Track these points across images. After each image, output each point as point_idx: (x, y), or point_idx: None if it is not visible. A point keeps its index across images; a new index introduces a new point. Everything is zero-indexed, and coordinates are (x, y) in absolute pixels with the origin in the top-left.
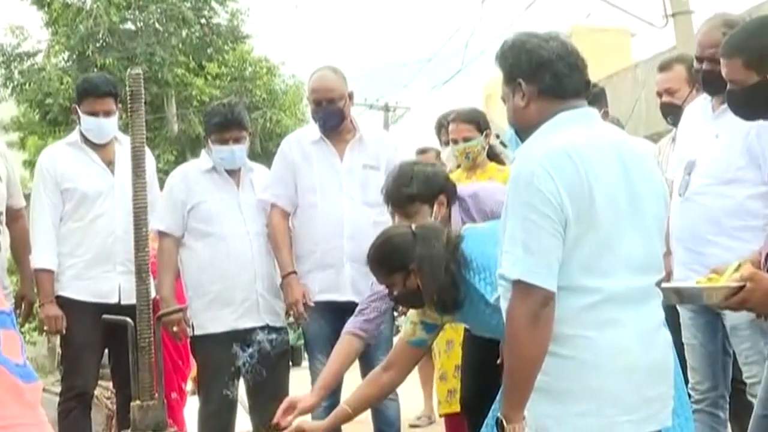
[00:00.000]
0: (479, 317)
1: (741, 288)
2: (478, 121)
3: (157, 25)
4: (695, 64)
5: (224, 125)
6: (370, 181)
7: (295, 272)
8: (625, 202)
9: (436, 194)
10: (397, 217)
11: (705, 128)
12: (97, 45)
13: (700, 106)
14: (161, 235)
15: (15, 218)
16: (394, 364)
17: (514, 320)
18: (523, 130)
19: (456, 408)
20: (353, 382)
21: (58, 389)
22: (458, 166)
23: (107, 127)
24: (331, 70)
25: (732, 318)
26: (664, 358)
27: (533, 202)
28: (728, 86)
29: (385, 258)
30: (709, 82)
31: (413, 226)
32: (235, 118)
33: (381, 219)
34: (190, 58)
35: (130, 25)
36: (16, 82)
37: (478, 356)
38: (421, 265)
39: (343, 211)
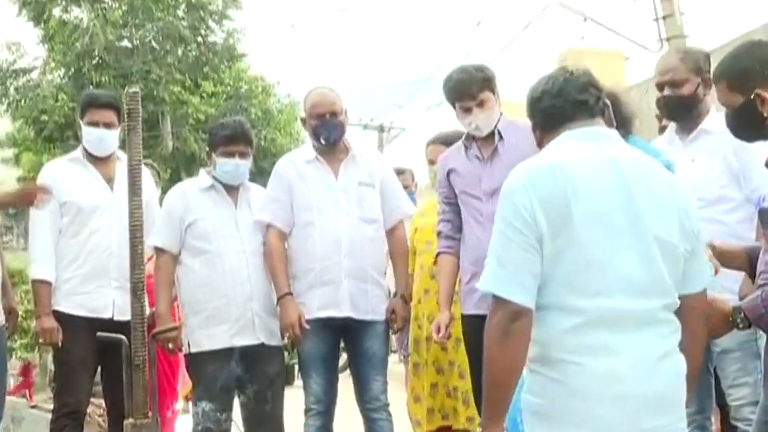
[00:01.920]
0: None
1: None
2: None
3: (153, 43)
4: (657, 92)
5: (233, 138)
6: (365, 198)
7: (290, 293)
8: (621, 221)
9: (495, 84)
10: (460, 114)
11: (679, 156)
12: (93, 62)
13: (665, 140)
14: (158, 251)
15: None
16: None
17: (487, 333)
18: None
19: (439, 422)
20: (347, 401)
21: (50, 406)
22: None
23: (108, 138)
24: (328, 89)
25: (722, 342)
26: (669, 389)
27: (508, 215)
28: (725, 111)
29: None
30: (671, 107)
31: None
32: (245, 133)
33: (378, 235)
34: (186, 76)
35: (126, 43)
36: (11, 99)
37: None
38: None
39: (341, 228)
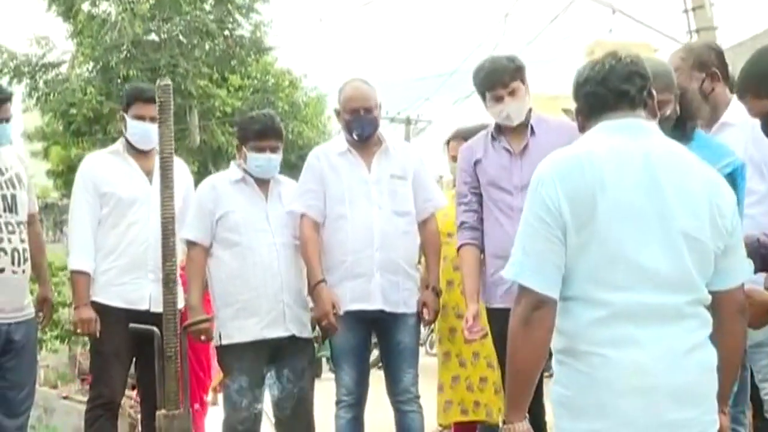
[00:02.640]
0: None
1: None
2: None
3: (180, 37)
4: None
5: (264, 133)
6: (398, 191)
7: (324, 281)
8: (647, 215)
9: (525, 75)
10: (490, 103)
11: None
12: (121, 56)
13: None
14: (190, 244)
15: (30, 223)
16: None
17: (511, 322)
18: None
19: (457, 416)
20: (378, 394)
21: (80, 397)
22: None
23: (152, 132)
24: (363, 82)
25: (755, 336)
26: (696, 381)
27: (535, 207)
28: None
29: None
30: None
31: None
32: (275, 127)
33: (410, 228)
34: (214, 69)
35: (153, 37)
36: (40, 92)
37: None
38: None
39: (373, 221)
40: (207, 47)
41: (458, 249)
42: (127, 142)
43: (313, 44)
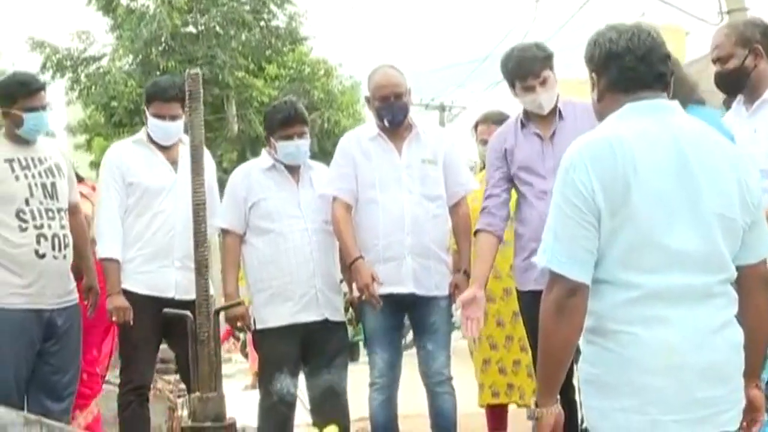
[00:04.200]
0: None
1: None
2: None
3: (217, 29)
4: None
5: (288, 121)
6: (429, 175)
7: (362, 257)
8: (679, 197)
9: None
10: (521, 92)
11: (743, 128)
12: (160, 48)
13: (734, 111)
14: (224, 232)
15: (72, 213)
16: None
17: (542, 307)
18: (601, 121)
19: (489, 399)
20: (411, 381)
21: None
22: (484, 166)
23: (172, 130)
24: (392, 68)
25: None
26: (725, 359)
27: (566, 192)
28: None
29: None
30: (722, 83)
31: None
32: (298, 113)
33: (440, 212)
34: (250, 60)
35: (191, 29)
36: (82, 86)
37: None
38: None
39: (404, 206)
40: (243, 38)
41: (475, 233)
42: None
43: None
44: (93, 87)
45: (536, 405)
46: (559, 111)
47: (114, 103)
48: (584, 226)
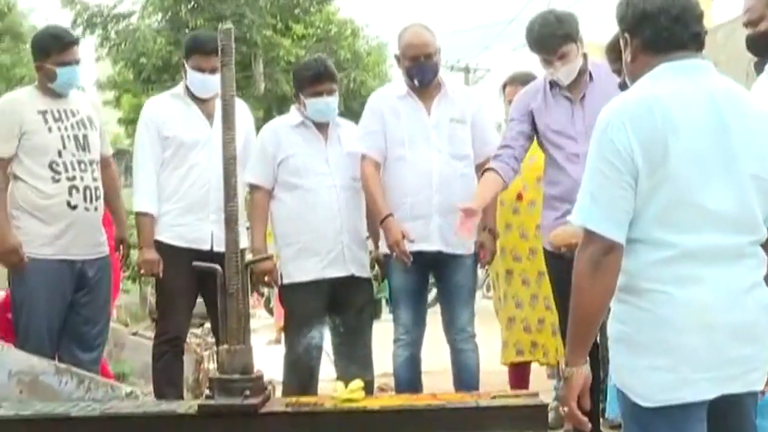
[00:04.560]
0: None
1: None
2: None
3: None
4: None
5: (318, 78)
6: (457, 135)
7: (392, 215)
8: (715, 157)
9: (578, 31)
10: (542, 63)
11: None
12: (189, 6)
13: (766, 74)
14: (253, 187)
15: (104, 166)
16: None
17: (577, 265)
18: (633, 82)
19: (513, 357)
20: (434, 339)
21: (149, 334)
22: None
23: (212, 82)
24: (423, 27)
25: None
26: (755, 319)
27: (604, 152)
28: None
29: (616, 44)
30: (753, 46)
31: None
32: (328, 70)
33: (467, 171)
34: (278, 19)
35: None
36: (112, 43)
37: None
38: None
39: (432, 164)
40: None
41: (482, 172)
42: (188, 86)
43: None
44: (122, 44)
45: (566, 364)
46: (590, 73)
47: (143, 60)
48: (622, 186)
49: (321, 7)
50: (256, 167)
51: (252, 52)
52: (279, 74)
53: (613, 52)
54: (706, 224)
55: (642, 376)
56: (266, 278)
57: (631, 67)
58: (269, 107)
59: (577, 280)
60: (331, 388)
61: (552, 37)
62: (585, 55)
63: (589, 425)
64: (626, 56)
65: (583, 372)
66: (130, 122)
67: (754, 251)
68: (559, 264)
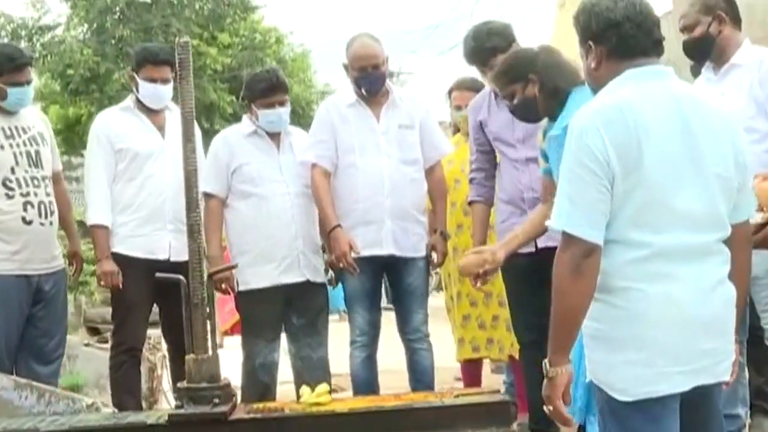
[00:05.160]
0: (550, 151)
1: (763, 226)
2: (479, 89)
3: None
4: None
5: (271, 89)
6: (406, 140)
7: (340, 225)
8: (684, 159)
9: (511, 42)
10: (482, 76)
11: (713, 91)
12: (115, 17)
13: (703, 77)
14: (207, 196)
15: (56, 181)
16: (547, 196)
17: (558, 269)
18: (597, 88)
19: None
20: (390, 337)
21: (100, 345)
22: (457, 131)
23: (164, 92)
24: (370, 38)
25: (753, 268)
26: (721, 313)
27: (580, 156)
28: None
29: (510, 68)
30: (689, 51)
31: (537, 48)
32: (280, 82)
33: (417, 176)
34: (203, 29)
35: None
36: (38, 54)
37: (522, 290)
38: (545, 68)
39: (383, 170)
40: (197, 7)
41: (469, 203)
42: (137, 99)
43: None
44: (48, 56)
45: (550, 364)
46: None
47: (70, 72)
48: (599, 189)
49: (245, 16)
50: (210, 176)
51: (173, 62)
52: (206, 83)
53: (504, 77)
54: (677, 224)
55: (619, 371)
56: (223, 285)
57: (596, 74)
58: (198, 116)
59: (558, 282)
60: (290, 391)
61: (481, 50)
62: None
63: (573, 421)
64: (590, 63)
65: (566, 371)
66: (57, 133)
67: (720, 248)
68: (514, 266)
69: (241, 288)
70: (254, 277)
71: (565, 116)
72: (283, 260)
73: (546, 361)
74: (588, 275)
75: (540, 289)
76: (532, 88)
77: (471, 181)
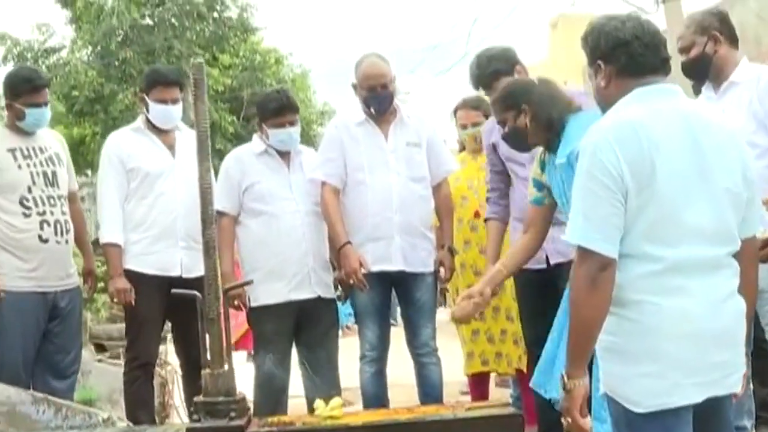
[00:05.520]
0: (554, 179)
1: None
2: (483, 108)
3: (173, 20)
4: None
5: (281, 110)
6: (414, 158)
7: (350, 243)
8: (694, 175)
9: (513, 65)
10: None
11: (713, 108)
12: (119, 40)
13: (704, 95)
14: (219, 214)
15: (72, 201)
16: (530, 225)
17: (574, 283)
18: (606, 107)
19: (479, 368)
20: (398, 351)
21: (113, 360)
22: (463, 149)
23: (174, 113)
24: (378, 57)
25: (760, 282)
26: (733, 326)
27: (594, 172)
28: None
29: (506, 96)
30: (687, 71)
31: (536, 78)
32: (291, 102)
33: (425, 193)
34: (205, 50)
35: (148, 21)
36: None
37: (534, 305)
38: (539, 100)
39: (391, 187)
40: (198, 29)
41: (485, 221)
42: (147, 120)
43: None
44: (54, 78)
45: (568, 377)
46: None
47: (75, 93)
48: (613, 204)
49: (246, 37)
50: (222, 194)
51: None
52: (208, 103)
53: (499, 104)
54: (689, 238)
55: (633, 383)
56: (236, 302)
57: (605, 92)
58: None
59: (575, 296)
60: (300, 405)
61: (483, 76)
62: None
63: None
64: (599, 82)
65: (584, 383)
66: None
67: (730, 262)
68: (523, 278)
69: (253, 304)
70: (265, 293)
71: (568, 143)
72: (293, 277)
73: (563, 374)
74: (604, 288)
75: (551, 303)
76: (524, 118)
77: (487, 200)
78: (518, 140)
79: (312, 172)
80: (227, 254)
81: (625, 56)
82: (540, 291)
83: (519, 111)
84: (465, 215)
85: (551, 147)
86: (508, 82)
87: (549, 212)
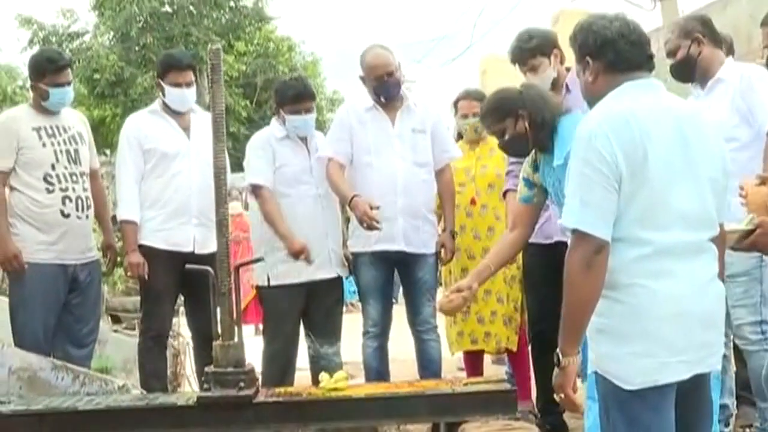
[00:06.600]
0: (551, 179)
1: (752, 232)
2: (483, 99)
3: (191, 8)
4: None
5: (299, 97)
6: (418, 144)
7: (357, 195)
8: (680, 164)
9: (552, 47)
10: (525, 74)
11: (700, 106)
12: (139, 26)
13: (693, 95)
14: (257, 188)
15: (93, 178)
16: (517, 223)
17: (570, 265)
18: (594, 101)
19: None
20: (401, 329)
21: (128, 331)
22: (460, 138)
23: (189, 96)
24: (382, 48)
25: (731, 267)
26: (715, 307)
27: (590, 158)
28: None
29: (499, 105)
30: (675, 74)
31: (519, 86)
32: (308, 90)
33: (428, 177)
34: (221, 37)
35: (167, 9)
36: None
37: (542, 278)
38: (532, 103)
39: (396, 170)
40: (215, 17)
41: (503, 193)
42: (164, 103)
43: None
44: (77, 61)
45: (562, 354)
46: (566, 85)
47: (96, 76)
48: (608, 189)
49: (260, 25)
50: (262, 169)
51: (198, 68)
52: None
53: (494, 115)
54: (676, 223)
55: (624, 362)
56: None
57: (593, 87)
58: None
59: (571, 278)
60: (305, 377)
61: (520, 50)
62: (568, 69)
63: (582, 408)
64: (587, 78)
65: (577, 361)
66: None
67: (710, 246)
68: (534, 253)
69: (273, 282)
70: (288, 273)
71: (564, 144)
72: (316, 257)
73: (558, 351)
74: (598, 270)
75: (555, 279)
76: (522, 123)
77: (508, 173)
78: (520, 146)
79: (321, 150)
80: (280, 219)
81: (611, 53)
82: (548, 264)
83: (516, 117)
84: (462, 201)
85: (543, 148)
86: (493, 94)
87: (536, 210)
